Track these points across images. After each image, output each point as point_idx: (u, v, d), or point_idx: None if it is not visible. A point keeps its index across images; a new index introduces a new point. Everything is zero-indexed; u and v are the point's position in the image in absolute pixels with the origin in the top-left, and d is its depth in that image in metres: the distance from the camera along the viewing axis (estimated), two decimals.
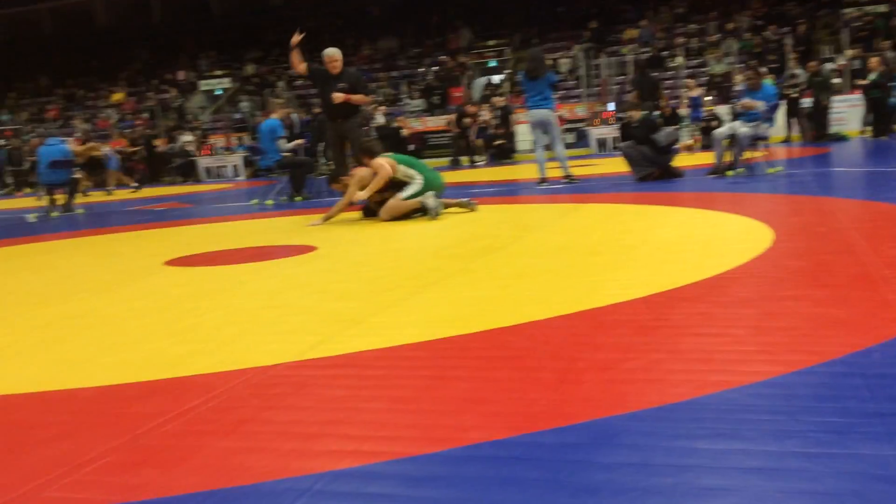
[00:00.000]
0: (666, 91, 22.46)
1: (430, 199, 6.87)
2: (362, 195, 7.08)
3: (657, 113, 15.78)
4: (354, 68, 9.27)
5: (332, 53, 8.58)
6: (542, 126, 9.80)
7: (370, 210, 7.30)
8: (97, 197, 15.98)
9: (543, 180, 9.67)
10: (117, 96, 30.74)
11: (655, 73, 21.70)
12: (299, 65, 8.68)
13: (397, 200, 6.92)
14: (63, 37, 36.07)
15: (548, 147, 10.00)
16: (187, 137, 22.78)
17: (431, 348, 2.73)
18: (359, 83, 8.68)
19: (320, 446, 1.93)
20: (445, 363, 2.55)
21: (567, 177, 9.69)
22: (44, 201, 11.60)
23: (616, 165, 12.63)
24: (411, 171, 7.11)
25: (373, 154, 7.15)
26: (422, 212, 6.93)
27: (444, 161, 19.50)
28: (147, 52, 33.97)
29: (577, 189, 9.06)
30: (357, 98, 8.49)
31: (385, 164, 7.03)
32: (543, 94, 9.69)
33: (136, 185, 17.19)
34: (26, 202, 14.89)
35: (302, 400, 2.28)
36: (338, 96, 8.27)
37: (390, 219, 6.89)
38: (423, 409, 2.14)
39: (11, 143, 23.28)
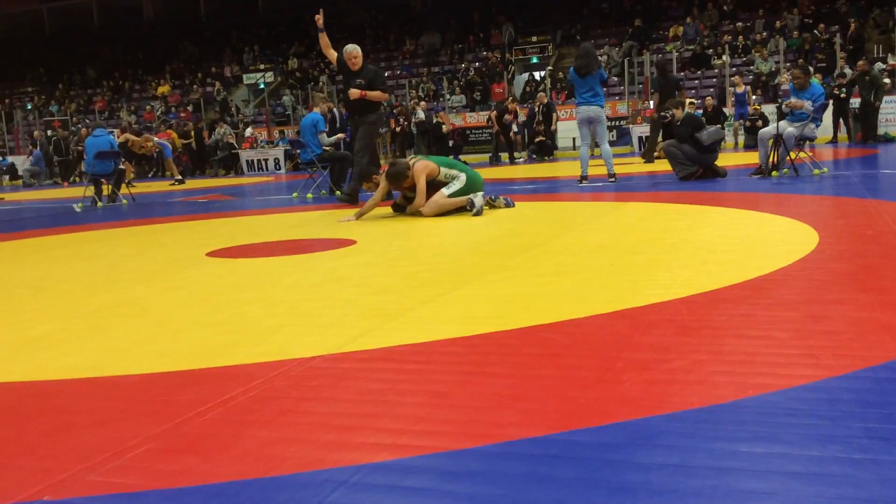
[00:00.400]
0: (710, 89, 22.22)
1: (477, 198, 6.90)
2: (419, 207, 7.07)
3: (699, 112, 15.60)
4: (374, 66, 9.36)
5: (352, 50, 8.60)
6: (590, 123, 9.73)
7: (399, 206, 7.36)
8: (156, 186, 16.22)
9: (585, 178, 9.61)
10: (163, 89, 31.20)
11: (682, 74, 21.41)
12: (329, 49, 8.80)
13: (442, 197, 6.95)
14: (111, 30, 36.72)
15: (596, 144, 9.95)
16: (222, 130, 22.99)
17: (469, 344, 2.73)
18: (376, 79, 8.69)
19: (358, 438, 1.94)
20: (483, 359, 2.55)
21: (610, 175, 9.63)
22: (90, 191, 11.82)
23: (658, 164, 12.51)
24: (453, 171, 7.15)
25: (406, 168, 7.09)
26: (466, 208, 6.94)
27: (485, 157, 19.48)
28: (193, 45, 34.45)
29: (618, 187, 8.99)
30: (374, 94, 8.53)
31: (422, 168, 7.04)
32: (594, 90, 9.61)
33: (179, 178, 17.42)
34: (73, 191, 15.19)
35: (340, 392, 2.30)
36: (354, 92, 8.40)
37: (434, 214, 6.91)
38: (460, 404, 2.15)
39: (58, 133, 23.76)
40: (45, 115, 30.21)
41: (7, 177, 23.90)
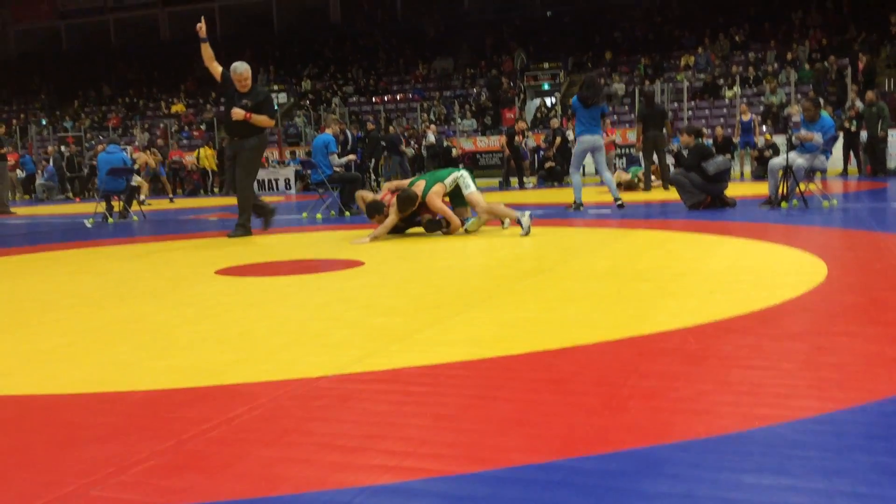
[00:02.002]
0: (720, 119, 22.27)
1: (525, 218, 6.91)
2: (457, 229, 7.31)
3: (709, 141, 15.66)
4: (266, 89, 8.72)
5: (242, 71, 8.02)
6: (591, 152, 9.81)
7: (432, 223, 7.45)
8: (157, 205, 16.35)
9: (580, 205, 9.68)
10: (177, 107, 31.45)
11: (692, 104, 21.46)
12: (212, 62, 8.02)
13: (478, 195, 7.27)
14: (128, 48, 37.12)
15: (595, 172, 10.02)
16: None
17: (475, 367, 2.73)
18: (265, 103, 8.16)
19: (362, 460, 1.94)
20: (489, 383, 2.54)
21: (617, 201, 9.65)
22: (101, 207, 11.89)
23: (667, 192, 12.52)
24: (453, 175, 7.36)
25: (413, 202, 7.21)
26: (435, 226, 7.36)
27: (494, 181, 19.53)
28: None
29: (626, 215, 9.00)
30: (259, 119, 7.99)
31: (434, 197, 7.18)
32: (595, 120, 9.74)
33: (171, 196, 18.07)
34: (84, 207, 15.28)
35: (345, 413, 2.30)
36: (237, 113, 7.85)
37: (489, 213, 7.29)
38: (465, 427, 2.14)
39: (72, 149, 23.94)
40: (58, 130, 30.46)
41: (20, 190, 24.05)
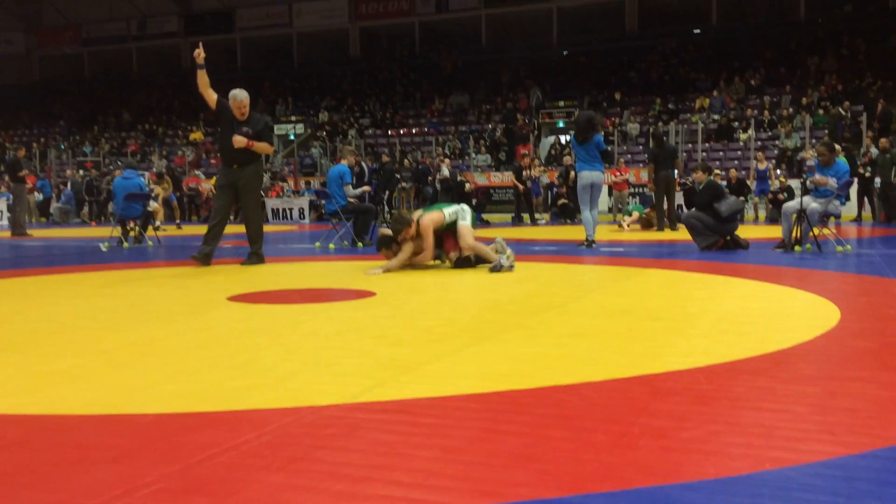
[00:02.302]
0: (734, 161, 22.31)
1: (506, 261, 6.96)
2: (422, 258, 7.22)
3: (723, 183, 15.68)
4: (264, 115, 8.47)
5: (243, 98, 7.92)
6: (591, 188, 9.95)
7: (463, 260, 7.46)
8: (170, 231, 16.47)
9: (592, 242, 9.69)
10: (195, 135, 31.77)
11: (707, 145, 21.49)
12: (207, 88, 7.85)
13: (468, 230, 7.18)
14: (149, 76, 37.65)
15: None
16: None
17: (484, 401, 2.72)
18: (264, 131, 8.08)
19: (369, 490, 1.93)
20: (498, 417, 2.54)
21: (588, 241, 9.77)
22: (117, 232, 11.98)
23: (679, 232, 12.52)
24: (453, 208, 7.36)
25: (408, 224, 7.21)
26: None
27: (507, 217, 19.58)
28: (227, 94, 35.14)
29: (639, 254, 8.99)
30: (261, 146, 7.96)
31: (428, 222, 7.16)
32: (593, 155, 9.89)
33: (178, 222, 18.39)
34: (100, 231, 15.39)
35: (353, 442, 2.29)
36: (239, 140, 7.72)
37: (472, 252, 7.15)
38: (472, 460, 2.13)
39: (91, 174, 24.19)
40: (78, 155, 30.81)
41: (36, 214, 24.28)
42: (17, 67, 39.98)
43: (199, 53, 7.66)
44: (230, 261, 8.81)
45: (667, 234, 12.72)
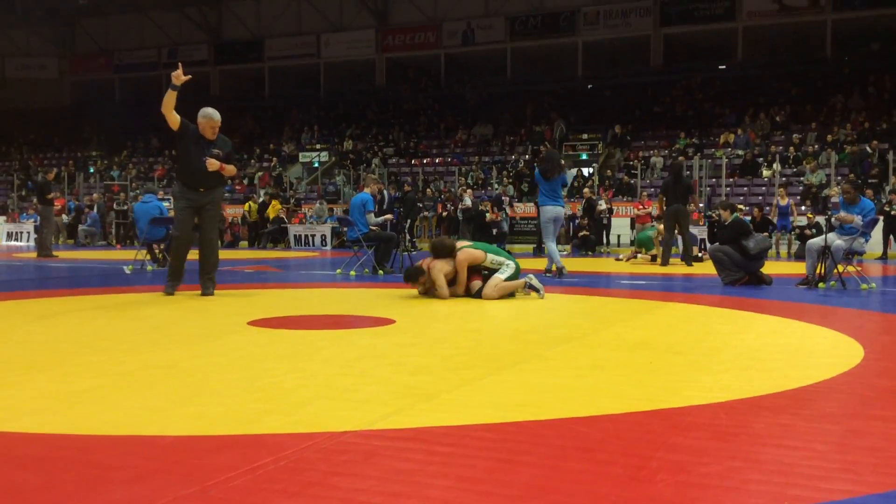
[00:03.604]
0: (759, 197, 22.20)
1: (534, 281, 7.26)
2: (442, 287, 7.16)
3: (748, 218, 15.55)
4: (225, 137, 7.85)
5: (216, 118, 7.50)
6: (555, 221, 10.35)
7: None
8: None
9: (560, 270, 9.82)
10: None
11: (731, 181, 21.39)
12: (171, 110, 7.44)
13: (499, 281, 7.15)
14: (179, 102, 38.12)
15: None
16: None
17: (502, 431, 2.71)
18: (232, 153, 7.72)
19: None
20: (515, 447, 2.53)
21: (547, 271, 10.16)
22: (142, 255, 12.11)
23: (703, 266, 12.44)
24: (500, 258, 7.31)
25: (450, 249, 7.29)
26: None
27: (529, 248, 19.55)
28: (254, 122, 35.57)
29: (661, 287, 8.95)
30: (230, 169, 7.54)
31: (464, 258, 7.18)
32: (556, 192, 10.34)
33: None
34: (124, 254, 15.56)
35: (369, 469, 2.29)
36: (213, 163, 7.28)
37: (496, 297, 7.09)
38: (489, 491, 2.13)
39: (119, 197, 24.50)
40: (105, 179, 31.23)
41: (64, 234, 24.60)
42: (50, 92, 40.73)
43: (178, 76, 7.29)
44: (251, 286, 8.86)
45: (686, 268, 12.61)
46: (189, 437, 2.62)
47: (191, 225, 7.49)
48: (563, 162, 10.54)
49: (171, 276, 7.43)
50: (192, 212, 7.41)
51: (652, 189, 23.59)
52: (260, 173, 29.69)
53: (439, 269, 7.17)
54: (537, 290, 7.19)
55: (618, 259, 15.23)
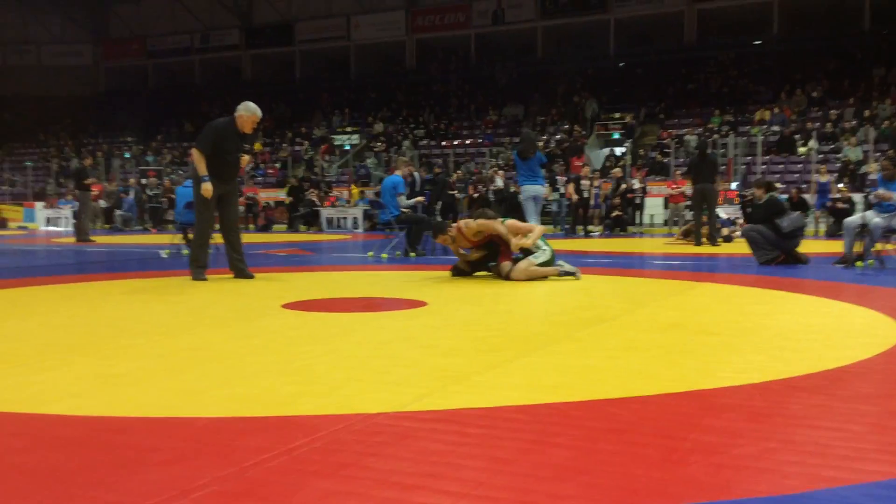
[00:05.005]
0: (795, 175, 21.84)
1: (567, 266, 7.32)
2: (521, 243, 7.23)
3: (784, 196, 15.31)
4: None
5: (259, 114, 7.60)
6: (535, 200, 10.62)
7: (459, 269, 7.49)
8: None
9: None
10: (255, 146, 32.33)
11: (767, 158, 21.05)
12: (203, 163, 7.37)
13: (531, 264, 7.16)
14: (211, 87, 38.47)
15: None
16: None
17: (533, 412, 2.72)
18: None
19: (417, 498, 1.95)
20: (547, 429, 2.53)
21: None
22: (177, 239, 12.25)
23: (738, 246, 12.30)
24: (539, 242, 7.30)
25: (492, 216, 7.44)
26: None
27: (557, 228, 19.46)
28: (286, 105, 35.73)
29: (695, 267, 8.87)
30: (247, 159, 7.80)
31: (508, 225, 7.31)
32: (534, 171, 10.59)
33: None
34: (161, 238, 15.77)
35: (402, 450, 2.31)
36: (247, 159, 7.65)
37: (524, 279, 7.09)
38: (521, 472, 2.14)
39: (151, 182, 24.80)
40: (140, 164, 31.61)
41: (101, 219, 24.98)
42: (84, 78, 41.26)
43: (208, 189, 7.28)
44: (285, 269, 8.94)
45: (729, 247, 12.48)
46: (224, 418, 2.66)
47: (213, 211, 7.54)
48: (538, 143, 10.76)
49: (198, 262, 7.46)
50: (215, 199, 7.48)
51: (685, 168, 23.32)
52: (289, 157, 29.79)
53: (509, 226, 7.32)
54: (572, 274, 7.20)
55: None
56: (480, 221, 7.34)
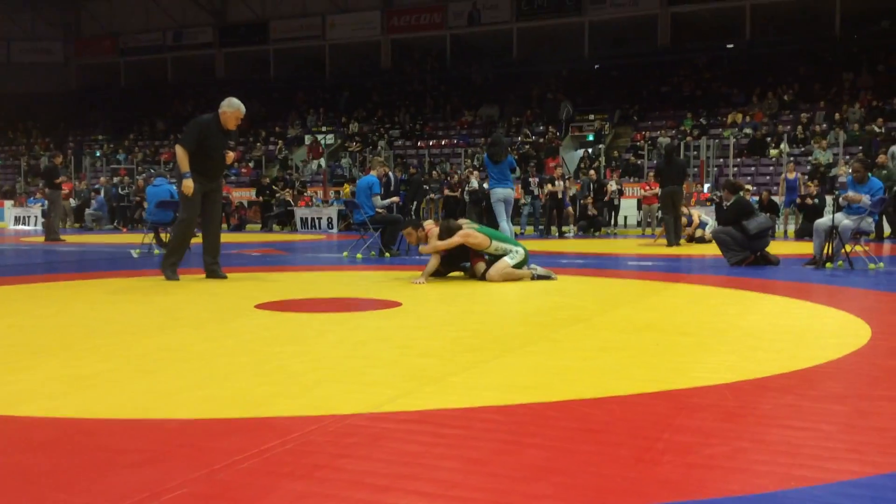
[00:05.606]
0: (766, 178, 22.09)
1: (540, 269, 7.34)
2: (432, 247, 7.30)
3: (755, 199, 15.49)
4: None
5: (243, 110, 7.52)
6: (506, 203, 10.57)
7: (439, 272, 7.51)
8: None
9: None
10: None
11: (738, 160, 21.26)
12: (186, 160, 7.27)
13: (507, 266, 7.18)
14: (184, 85, 38.15)
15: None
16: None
17: (508, 413, 2.72)
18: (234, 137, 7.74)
19: (391, 499, 1.94)
20: (521, 429, 2.53)
21: None
22: (148, 238, 12.13)
23: (708, 248, 12.41)
24: (506, 245, 7.32)
25: (454, 230, 7.33)
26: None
27: (531, 229, 19.52)
28: (260, 104, 35.52)
29: (668, 268, 8.93)
30: (233, 155, 7.74)
31: (465, 233, 7.21)
32: (505, 174, 10.63)
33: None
34: (131, 238, 15.61)
35: (376, 451, 2.30)
36: (231, 156, 7.54)
37: (500, 280, 7.10)
38: (495, 472, 2.13)
39: (124, 181, 24.53)
40: (111, 162, 31.25)
41: (72, 218, 24.67)
42: (56, 76, 40.71)
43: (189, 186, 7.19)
44: (259, 269, 8.88)
45: (699, 249, 12.60)
46: (197, 420, 2.64)
47: (198, 208, 7.47)
48: (509, 147, 10.77)
49: (172, 261, 7.36)
50: (200, 196, 7.41)
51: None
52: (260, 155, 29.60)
53: (436, 234, 7.33)
54: (547, 277, 7.22)
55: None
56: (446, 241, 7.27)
